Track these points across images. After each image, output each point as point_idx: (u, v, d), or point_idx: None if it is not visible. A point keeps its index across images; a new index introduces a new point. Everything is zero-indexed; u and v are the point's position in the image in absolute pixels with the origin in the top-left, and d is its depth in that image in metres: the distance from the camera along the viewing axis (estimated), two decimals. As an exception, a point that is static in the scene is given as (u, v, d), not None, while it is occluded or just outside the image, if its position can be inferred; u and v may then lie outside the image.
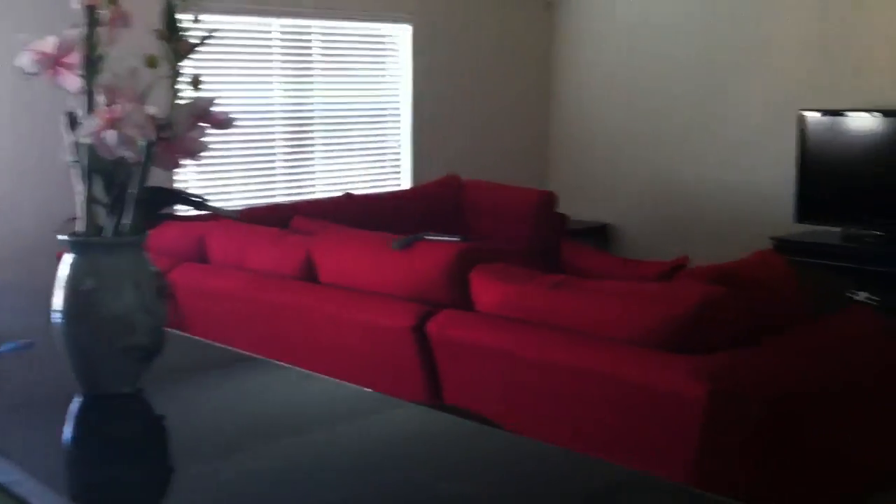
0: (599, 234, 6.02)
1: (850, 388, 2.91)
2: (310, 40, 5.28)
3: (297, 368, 1.42)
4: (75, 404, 1.25)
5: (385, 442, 1.17)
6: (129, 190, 1.25)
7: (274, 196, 5.05)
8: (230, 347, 1.53)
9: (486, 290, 3.02)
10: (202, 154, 1.28)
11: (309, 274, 3.42)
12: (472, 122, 6.01)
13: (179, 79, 1.21)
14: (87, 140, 1.21)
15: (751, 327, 2.73)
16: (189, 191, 1.25)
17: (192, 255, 3.68)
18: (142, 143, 1.22)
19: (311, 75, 5.30)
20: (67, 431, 1.20)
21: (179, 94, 1.23)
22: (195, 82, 1.23)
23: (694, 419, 2.38)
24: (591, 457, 1.10)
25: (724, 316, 2.64)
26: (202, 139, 1.26)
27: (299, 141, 5.30)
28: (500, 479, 1.04)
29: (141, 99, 1.21)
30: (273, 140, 5.18)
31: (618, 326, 2.67)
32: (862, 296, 4.53)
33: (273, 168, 5.18)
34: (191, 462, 1.10)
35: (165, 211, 1.29)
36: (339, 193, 4.85)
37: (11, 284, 2.34)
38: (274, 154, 5.19)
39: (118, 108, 1.18)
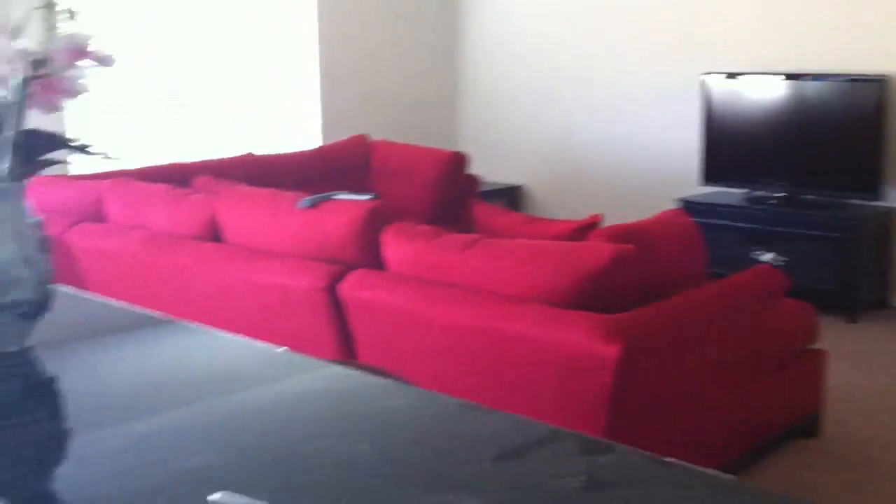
0: (511, 196, 6.02)
1: (748, 347, 2.96)
2: (214, -8, 5.10)
3: (203, 327, 1.34)
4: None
5: (295, 401, 1.11)
6: (4, 132, 1.14)
7: (172, 157, 4.88)
8: (130, 306, 1.44)
9: (397, 249, 2.96)
10: (81, 94, 1.18)
11: (213, 234, 3.31)
12: (381, 84, 5.91)
13: (54, 11, 1.10)
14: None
15: (658, 285, 2.75)
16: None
17: (88, 215, 3.53)
18: (16, 81, 1.12)
19: (218, 32, 5.13)
20: None
21: (55, 29, 1.13)
22: (70, 13, 1.13)
23: (606, 377, 2.37)
24: (505, 413, 1.05)
25: (633, 274, 2.64)
26: (81, 79, 1.16)
27: (205, 100, 5.13)
28: (411, 437, 0.99)
29: (10, 32, 1.10)
30: (177, 98, 5.00)
31: (529, 286, 2.64)
32: (768, 257, 4.63)
33: (176, 128, 5.00)
34: (80, 427, 1.02)
35: (46, 157, 1.19)
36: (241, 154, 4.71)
37: None
38: (182, 112, 5.02)
39: (-12, 42, 1.08)
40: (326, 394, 1.13)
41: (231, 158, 4.59)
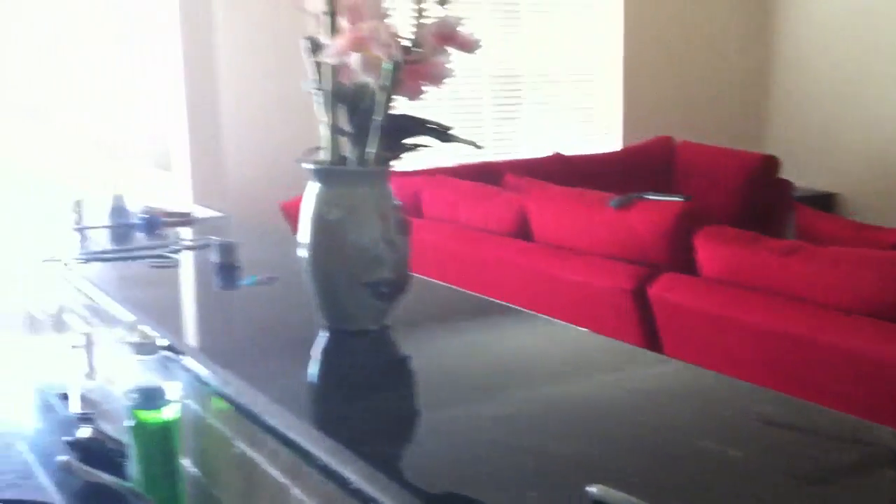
0: (824, 204, 5.61)
1: None
2: (520, -4, 5.18)
3: (546, 317, 1.33)
4: (320, 338, 1.21)
5: (640, 394, 1.06)
6: (374, 117, 1.18)
7: (481, 155, 5.00)
8: (474, 293, 1.46)
9: (711, 253, 2.84)
10: (446, 81, 1.20)
11: (522, 231, 3.34)
12: (684, 82, 5.73)
13: (425, -2, 1.13)
14: (331, 61, 1.15)
15: None
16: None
17: (407, 208, 3.69)
18: (387, 66, 1.15)
19: (521, 33, 5.20)
20: (312, 364, 1.16)
21: (424, 14, 1.15)
22: (442, 0, 1.14)
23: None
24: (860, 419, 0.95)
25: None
26: (447, 64, 1.17)
27: (507, 100, 5.22)
28: (770, 442, 0.91)
29: (384, 18, 1.14)
30: (481, 98, 5.12)
31: (856, 297, 2.43)
32: None
33: (480, 127, 5.13)
34: (434, 404, 1.03)
35: (410, 141, 1.22)
36: (548, 153, 4.75)
37: (254, 217, 2.38)
38: (481, 112, 5.14)
39: (362, 27, 1.11)
40: (686, 392, 1.07)
41: (539, 158, 4.64)
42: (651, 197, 3.20)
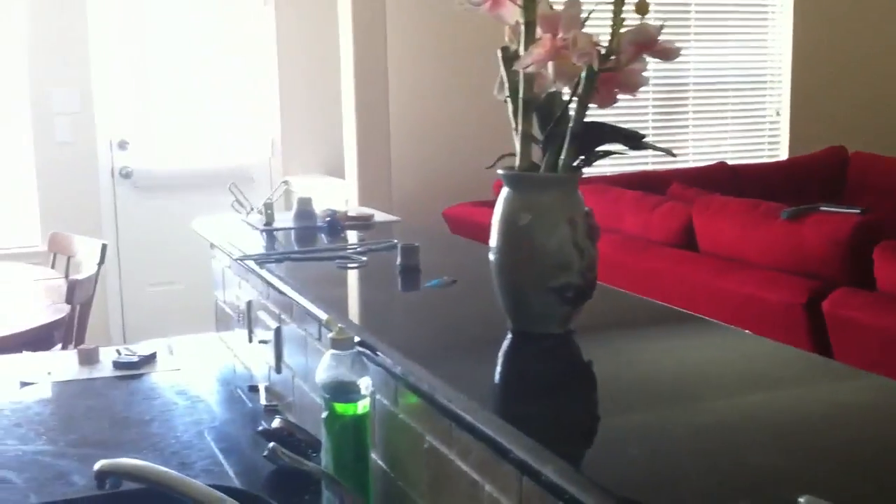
0: None
1: None
2: (689, 4, 5.09)
3: (730, 326, 1.31)
4: (506, 340, 1.23)
5: (839, 407, 1.03)
6: (569, 125, 1.20)
7: (645, 164, 4.95)
8: (656, 301, 1.45)
9: (893, 268, 2.72)
10: (641, 89, 1.21)
11: (687, 241, 3.29)
12: (858, 90, 5.49)
13: (623, 4, 1.13)
14: (527, 71, 1.18)
15: None
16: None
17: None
18: (584, 74, 1.17)
19: (688, 41, 5.11)
20: (500, 364, 1.19)
21: (622, 22, 1.16)
22: (641, 8, 1.15)
23: None
24: None
25: None
26: (643, 72, 1.18)
27: (672, 108, 5.14)
28: None
29: (582, 27, 1.15)
30: (645, 107, 5.07)
31: None
32: None
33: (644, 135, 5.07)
34: (623, 409, 1.04)
35: (601, 149, 1.23)
36: (712, 162, 4.65)
37: (416, 224, 2.44)
38: (646, 121, 5.09)
39: (562, 37, 1.13)
40: (891, 409, 1.04)
41: (703, 167, 4.56)
42: (826, 209, 3.10)
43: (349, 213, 2.16)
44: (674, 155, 1.27)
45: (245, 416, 1.81)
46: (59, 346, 3.30)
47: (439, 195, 4.38)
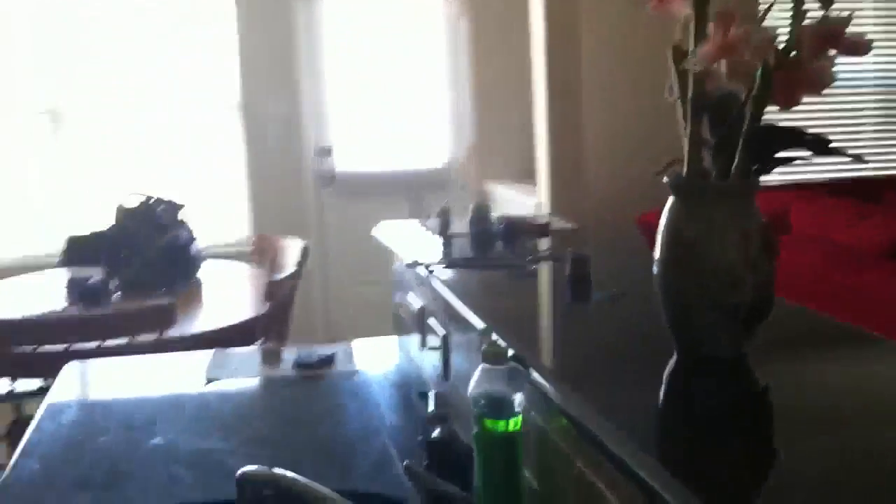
0: None
1: None
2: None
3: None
4: (670, 363, 1.14)
5: None
6: (742, 129, 1.10)
7: (860, 170, 4.60)
8: (844, 322, 1.32)
9: None
10: (827, 88, 1.09)
11: (904, 255, 3.02)
12: None
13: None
14: (697, 68, 1.09)
15: None
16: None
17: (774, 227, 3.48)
18: (758, 71, 1.06)
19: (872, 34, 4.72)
20: (661, 391, 1.10)
21: (804, 14, 1.05)
22: (826, 1, 1.03)
23: None
24: None
25: None
26: (830, 69, 1.06)
27: (892, 111, 4.76)
28: None
29: (759, 21, 1.05)
30: (861, 110, 4.72)
31: None
32: None
33: (858, 140, 4.72)
34: (792, 454, 0.92)
35: (782, 155, 1.12)
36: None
37: (610, 230, 2.36)
38: (861, 125, 4.73)
39: (733, 31, 1.04)
40: None
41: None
42: None
43: (527, 220, 2.12)
44: (864, 162, 1.14)
45: (414, 422, 1.80)
46: (261, 340, 3.43)
47: (637, 200, 4.23)
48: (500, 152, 5.23)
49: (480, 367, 1.21)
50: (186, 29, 5.02)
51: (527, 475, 1.24)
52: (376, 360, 2.20)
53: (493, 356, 1.21)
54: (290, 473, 1.11)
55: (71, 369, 2.15)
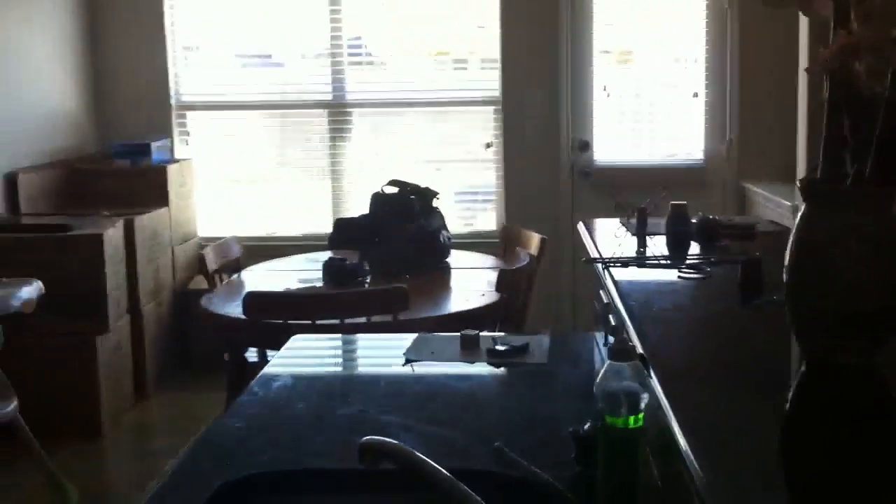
0: None
1: None
2: None
3: None
4: (796, 371, 1.10)
5: None
6: (876, 132, 1.04)
7: None
8: None
9: None
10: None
11: None
12: None
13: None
14: (824, 68, 1.04)
15: None
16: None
17: None
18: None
19: None
20: (778, 401, 1.07)
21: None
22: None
23: None
24: None
25: None
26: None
27: None
28: None
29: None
30: None
31: None
32: None
33: None
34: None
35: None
36: None
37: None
38: None
39: (857, 31, 0.98)
40: None
41: None
42: None
43: (728, 222, 2.06)
44: None
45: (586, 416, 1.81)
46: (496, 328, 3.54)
47: None
48: (760, 150, 5.02)
49: (607, 363, 1.23)
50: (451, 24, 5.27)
51: (654, 473, 1.24)
52: (570, 353, 2.23)
53: (619, 353, 1.22)
54: (408, 448, 1.18)
55: (294, 342, 2.36)
